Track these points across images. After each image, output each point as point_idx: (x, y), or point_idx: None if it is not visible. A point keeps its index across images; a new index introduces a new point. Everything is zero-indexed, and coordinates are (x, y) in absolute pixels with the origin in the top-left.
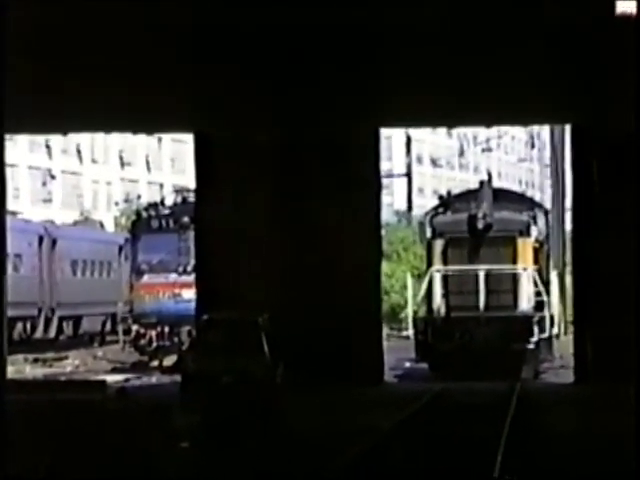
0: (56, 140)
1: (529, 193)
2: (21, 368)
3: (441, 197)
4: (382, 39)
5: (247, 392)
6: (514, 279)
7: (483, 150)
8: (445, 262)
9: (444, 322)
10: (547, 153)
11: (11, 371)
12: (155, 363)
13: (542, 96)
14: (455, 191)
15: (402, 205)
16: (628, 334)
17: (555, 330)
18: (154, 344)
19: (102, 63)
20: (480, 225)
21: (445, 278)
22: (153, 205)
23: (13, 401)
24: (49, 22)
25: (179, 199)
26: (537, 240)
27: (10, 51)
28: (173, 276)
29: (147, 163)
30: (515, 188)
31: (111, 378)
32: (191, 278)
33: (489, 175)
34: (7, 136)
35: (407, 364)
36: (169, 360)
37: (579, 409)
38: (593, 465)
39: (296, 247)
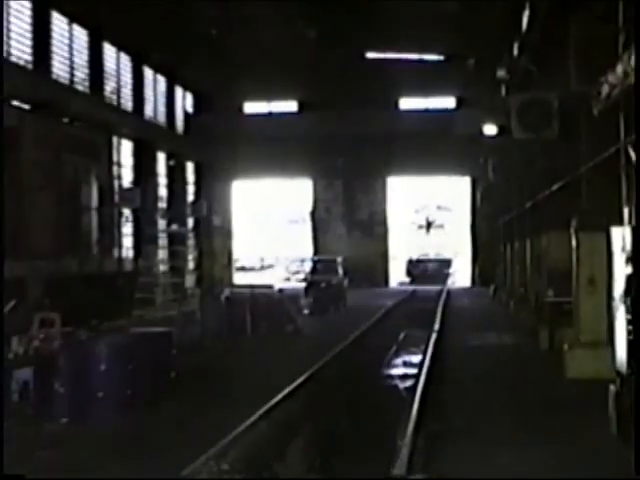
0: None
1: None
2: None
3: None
4: (390, 141)
5: (331, 290)
6: None
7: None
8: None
9: (417, 262)
10: None
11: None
12: (294, 278)
13: (458, 166)
14: None
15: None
16: (492, 264)
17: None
18: (294, 270)
19: (270, 150)
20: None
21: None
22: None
23: (239, 292)
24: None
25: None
26: None
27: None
28: None
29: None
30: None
31: (276, 285)
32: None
33: None
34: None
35: (400, 279)
36: (300, 277)
37: (470, 294)
38: (475, 310)
39: (352, 228)
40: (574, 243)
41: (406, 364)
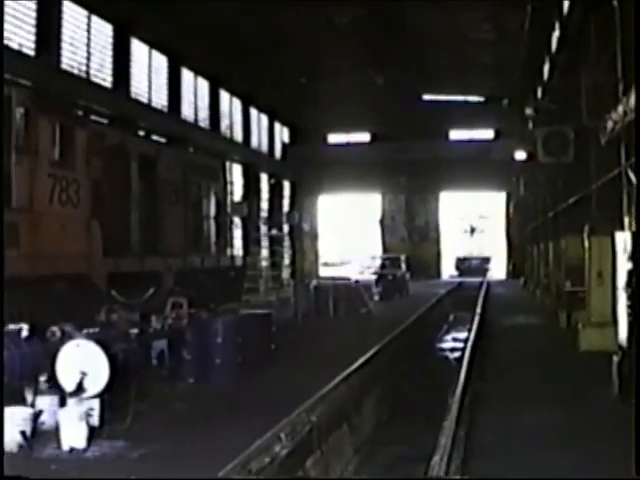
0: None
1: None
2: (323, 271)
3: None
4: (442, 164)
5: (396, 281)
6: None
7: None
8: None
9: (463, 259)
10: None
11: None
12: (367, 271)
13: (495, 184)
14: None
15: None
16: (522, 261)
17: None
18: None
19: (348, 171)
20: (473, 226)
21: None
22: None
23: (324, 282)
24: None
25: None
26: None
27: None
28: None
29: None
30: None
31: (352, 277)
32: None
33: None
34: (323, 196)
35: (450, 273)
36: (372, 271)
37: (505, 284)
38: (509, 297)
39: (412, 232)
40: (586, 245)
41: (455, 340)
